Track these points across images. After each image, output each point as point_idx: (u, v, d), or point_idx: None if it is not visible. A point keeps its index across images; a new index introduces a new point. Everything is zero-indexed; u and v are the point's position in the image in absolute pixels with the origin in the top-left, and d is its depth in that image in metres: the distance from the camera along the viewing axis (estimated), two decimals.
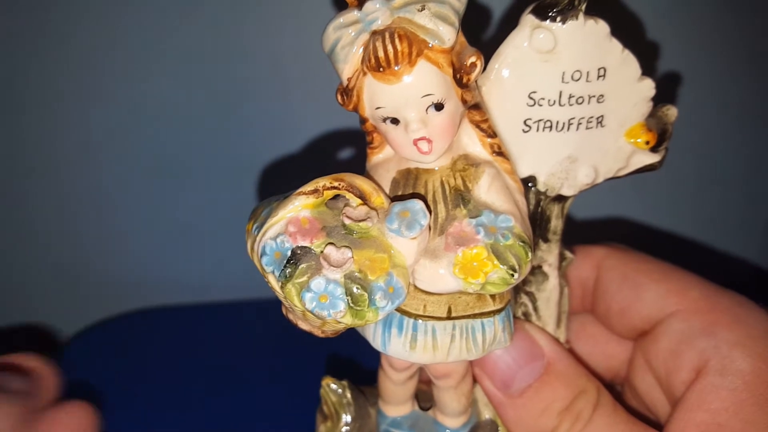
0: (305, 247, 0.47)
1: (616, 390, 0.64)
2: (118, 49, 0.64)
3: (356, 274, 0.47)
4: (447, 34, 0.46)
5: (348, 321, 0.47)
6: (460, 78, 0.48)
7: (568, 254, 0.59)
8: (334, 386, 0.61)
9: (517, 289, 0.58)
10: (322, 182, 0.48)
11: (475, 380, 0.59)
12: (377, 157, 0.53)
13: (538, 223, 0.56)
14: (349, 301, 0.46)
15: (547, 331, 0.58)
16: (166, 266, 0.68)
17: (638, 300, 0.59)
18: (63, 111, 0.66)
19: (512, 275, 0.48)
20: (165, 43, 0.62)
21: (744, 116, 0.62)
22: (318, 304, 0.46)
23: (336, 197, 0.49)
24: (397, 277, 0.48)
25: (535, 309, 0.58)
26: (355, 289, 0.46)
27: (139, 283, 0.69)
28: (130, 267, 0.69)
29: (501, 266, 0.48)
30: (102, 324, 0.69)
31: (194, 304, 0.67)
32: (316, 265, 0.46)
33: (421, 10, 0.46)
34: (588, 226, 0.74)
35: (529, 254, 0.49)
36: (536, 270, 0.57)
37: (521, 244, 0.48)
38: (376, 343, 0.53)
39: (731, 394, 0.51)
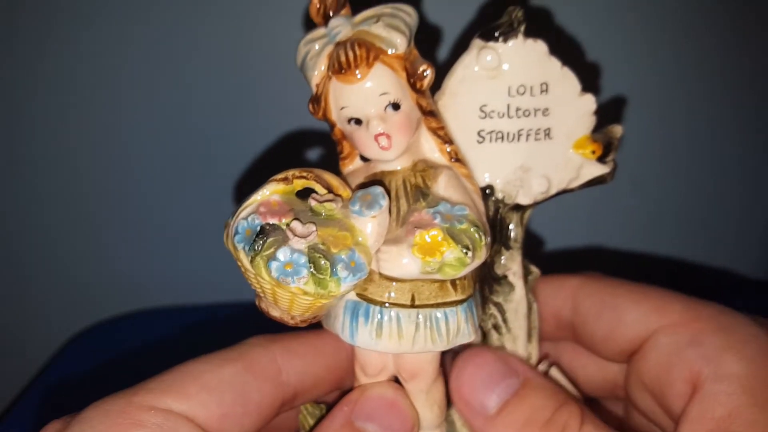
0: (274, 224, 0.54)
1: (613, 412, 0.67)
2: (111, 54, 0.70)
3: (320, 246, 0.53)
4: (398, 40, 0.56)
5: (311, 289, 0.53)
6: (414, 83, 0.57)
7: (533, 269, 0.64)
8: (312, 410, 0.65)
9: (485, 300, 0.63)
10: (292, 171, 0.56)
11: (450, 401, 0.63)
12: (348, 168, 0.61)
13: (498, 229, 0.62)
14: (312, 268, 0.53)
15: (519, 355, 0.63)
16: (165, 267, 0.72)
17: (621, 323, 0.62)
18: (63, 112, 0.71)
19: (466, 254, 0.54)
20: (160, 50, 0.69)
21: (698, 130, 0.68)
22: (283, 271, 0.53)
23: (308, 191, 0.57)
24: (359, 253, 0.54)
25: (505, 321, 0.63)
26: (318, 258, 0.53)
27: (139, 283, 0.72)
28: (129, 267, 0.73)
29: (456, 245, 0.54)
30: (101, 324, 0.71)
31: (193, 305, 0.69)
32: (282, 238, 0.54)
33: (376, 22, 0.57)
34: (562, 257, 0.78)
35: (483, 239, 0.55)
36: (502, 280, 0.63)
37: (475, 228, 0.55)
38: (345, 334, 0.58)
39: (729, 398, 0.53)
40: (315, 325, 0.59)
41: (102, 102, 0.70)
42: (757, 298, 0.74)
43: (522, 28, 0.60)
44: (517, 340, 0.64)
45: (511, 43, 0.60)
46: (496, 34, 0.60)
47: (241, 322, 0.61)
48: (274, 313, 0.57)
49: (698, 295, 0.61)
